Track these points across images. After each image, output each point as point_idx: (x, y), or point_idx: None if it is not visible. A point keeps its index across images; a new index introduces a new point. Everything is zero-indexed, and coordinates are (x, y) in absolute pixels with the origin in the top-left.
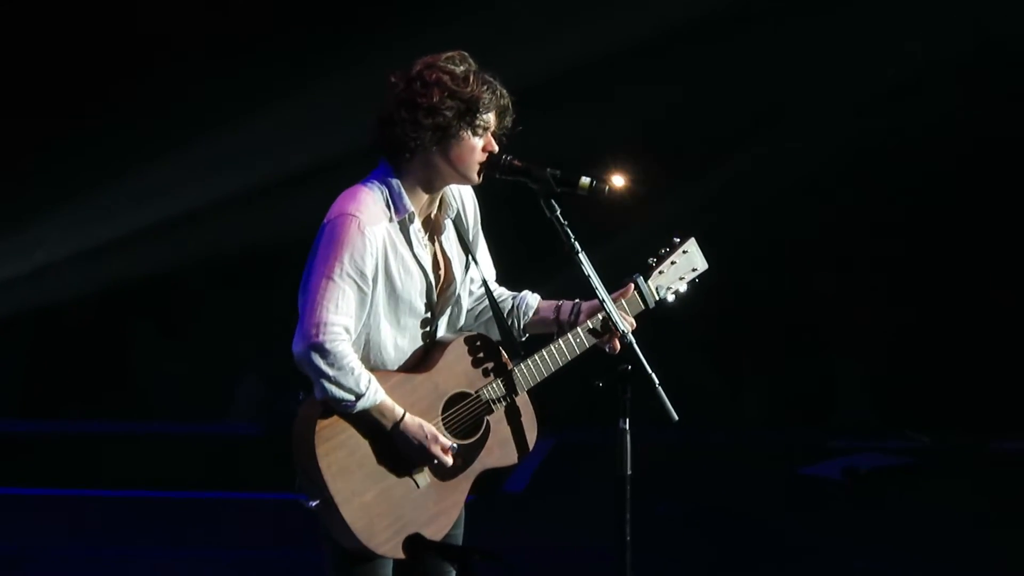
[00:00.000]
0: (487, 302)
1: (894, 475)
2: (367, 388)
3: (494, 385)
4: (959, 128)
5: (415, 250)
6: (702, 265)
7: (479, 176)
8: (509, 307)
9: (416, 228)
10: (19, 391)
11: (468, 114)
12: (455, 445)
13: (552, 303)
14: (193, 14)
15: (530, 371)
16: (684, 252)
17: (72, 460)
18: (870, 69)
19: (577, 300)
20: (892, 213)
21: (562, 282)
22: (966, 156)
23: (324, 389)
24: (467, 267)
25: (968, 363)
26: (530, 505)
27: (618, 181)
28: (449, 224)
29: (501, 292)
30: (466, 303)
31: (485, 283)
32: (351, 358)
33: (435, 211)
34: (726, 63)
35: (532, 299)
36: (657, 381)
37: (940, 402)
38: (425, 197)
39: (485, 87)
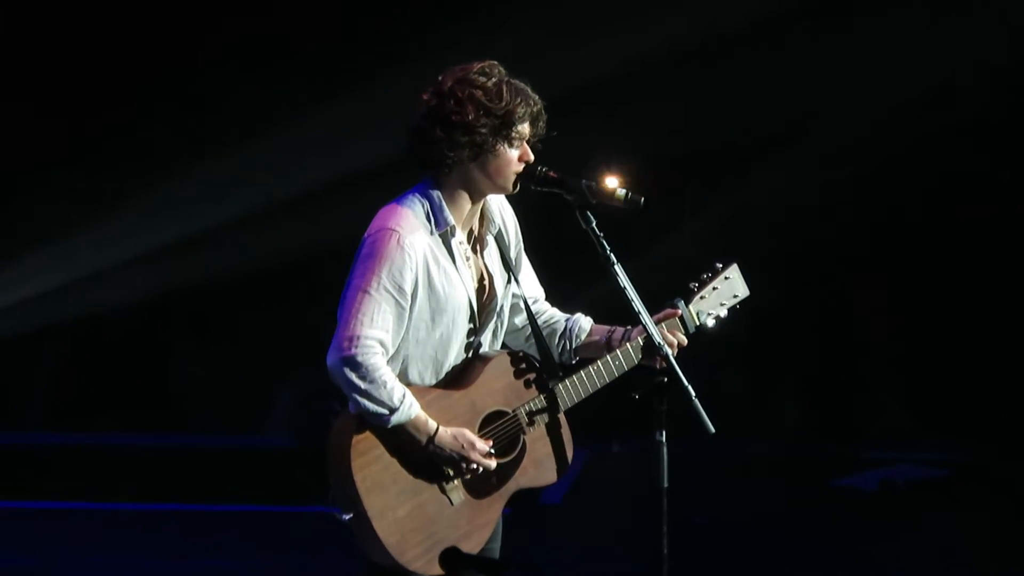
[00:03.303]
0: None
1: (932, 487)
2: (401, 402)
3: (531, 404)
4: (991, 134)
5: (457, 263)
6: (743, 291)
7: (514, 187)
8: (561, 329)
9: (458, 241)
10: (53, 402)
11: (504, 128)
12: (492, 450)
13: (605, 327)
14: (223, 27)
15: (568, 392)
16: (726, 278)
17: (106, 472)
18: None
19: (628, 327)
20: (928, 221)
21: (596, 295)
22: (998, 163)
23: (357, 403)
24: (507, 283)
25: (1006, 373)
26: (567, 517)
27: (611, 183)
28: (491, 240)
29: (553, 313)
30: (507, 320)
31: (525, 302)
32: (383, 371)
33: (477, 225)
34: (741, 79)
35: (585, 322)
36: (693, 393)
37: (978, 412)
38: (467, 209)
39: (518, 98)
